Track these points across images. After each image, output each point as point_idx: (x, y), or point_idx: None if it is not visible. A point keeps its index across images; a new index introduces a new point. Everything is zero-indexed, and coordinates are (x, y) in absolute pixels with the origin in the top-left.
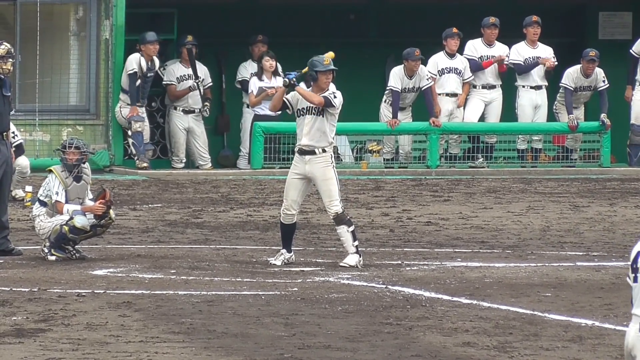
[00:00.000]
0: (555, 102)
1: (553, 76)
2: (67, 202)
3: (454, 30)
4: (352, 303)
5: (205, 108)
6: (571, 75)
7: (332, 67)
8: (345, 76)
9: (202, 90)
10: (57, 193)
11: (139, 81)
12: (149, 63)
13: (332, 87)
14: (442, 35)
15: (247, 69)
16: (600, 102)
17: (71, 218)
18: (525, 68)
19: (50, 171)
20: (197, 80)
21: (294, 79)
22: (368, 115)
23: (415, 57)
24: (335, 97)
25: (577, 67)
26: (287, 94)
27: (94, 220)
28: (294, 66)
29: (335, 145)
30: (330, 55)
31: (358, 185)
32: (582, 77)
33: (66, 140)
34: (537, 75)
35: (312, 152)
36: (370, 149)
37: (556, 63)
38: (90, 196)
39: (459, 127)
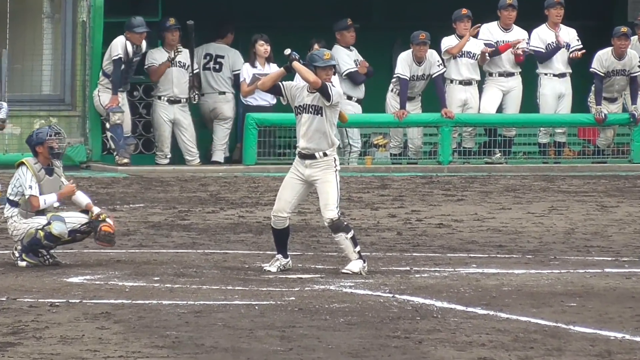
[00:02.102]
0: (590, 94)
1: (579, 63)
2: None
3: (464, 11)
4: (355, 314)
5: (194, 95)
6: (601, 59)
7: (333, 62)
8: None
9: (188, 67)
10: (30, 187)
11: (122, 66)
12: (135, 47)
13: (334, 80)
14: (452, 18)
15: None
16: (632, 90)
17: (49, 223)
18: (546, 55)
19: (21, 164)
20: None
21: (298, 57)
22: (373, 106)
23: (419, 41)
24: (333, 85)
25: (609, 49)
26: (284, 79)
27: (73, 224)
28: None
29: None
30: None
31: (362, 183)
32: (615, 59)
33: (43, 128)
34: (560, 62)
35: (312, 157)
36: (375, 143)
37: (584, 51)
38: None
39: (474, 118)
